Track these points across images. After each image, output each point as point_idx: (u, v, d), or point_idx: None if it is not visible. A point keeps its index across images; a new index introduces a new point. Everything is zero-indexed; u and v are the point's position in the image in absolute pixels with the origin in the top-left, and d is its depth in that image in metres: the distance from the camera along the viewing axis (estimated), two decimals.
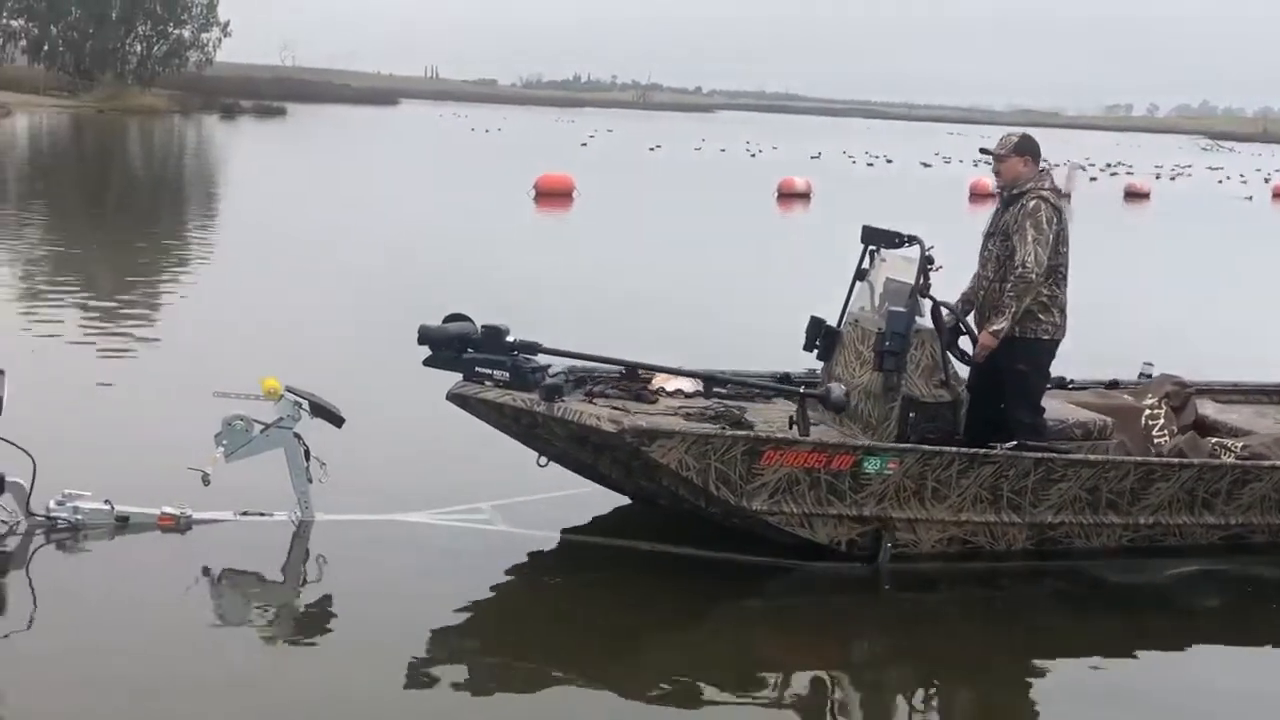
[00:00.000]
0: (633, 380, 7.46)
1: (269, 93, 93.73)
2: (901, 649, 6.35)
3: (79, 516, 6.65)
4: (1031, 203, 7.21)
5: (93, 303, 13.23)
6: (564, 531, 7.19)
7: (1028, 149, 7.34)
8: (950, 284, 7.51)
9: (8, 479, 6.50)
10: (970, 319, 7.48)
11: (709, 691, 5.57)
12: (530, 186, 30.40)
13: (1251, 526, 7.56)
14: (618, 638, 6.12)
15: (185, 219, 23.25)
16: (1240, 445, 7.78)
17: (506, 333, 6.80)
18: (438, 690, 5.39)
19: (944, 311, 7.19)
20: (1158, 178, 56.36)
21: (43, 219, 21.00)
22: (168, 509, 6.77)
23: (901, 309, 6.97)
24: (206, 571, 6.35)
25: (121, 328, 11.95)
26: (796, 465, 6.67)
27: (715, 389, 7.61)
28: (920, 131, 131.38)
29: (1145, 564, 7.30)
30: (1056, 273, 7.26)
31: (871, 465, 6.76)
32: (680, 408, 7.26)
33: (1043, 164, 7.43)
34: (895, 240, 7.35)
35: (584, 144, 62.16)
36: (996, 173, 7.40)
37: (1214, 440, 7.92)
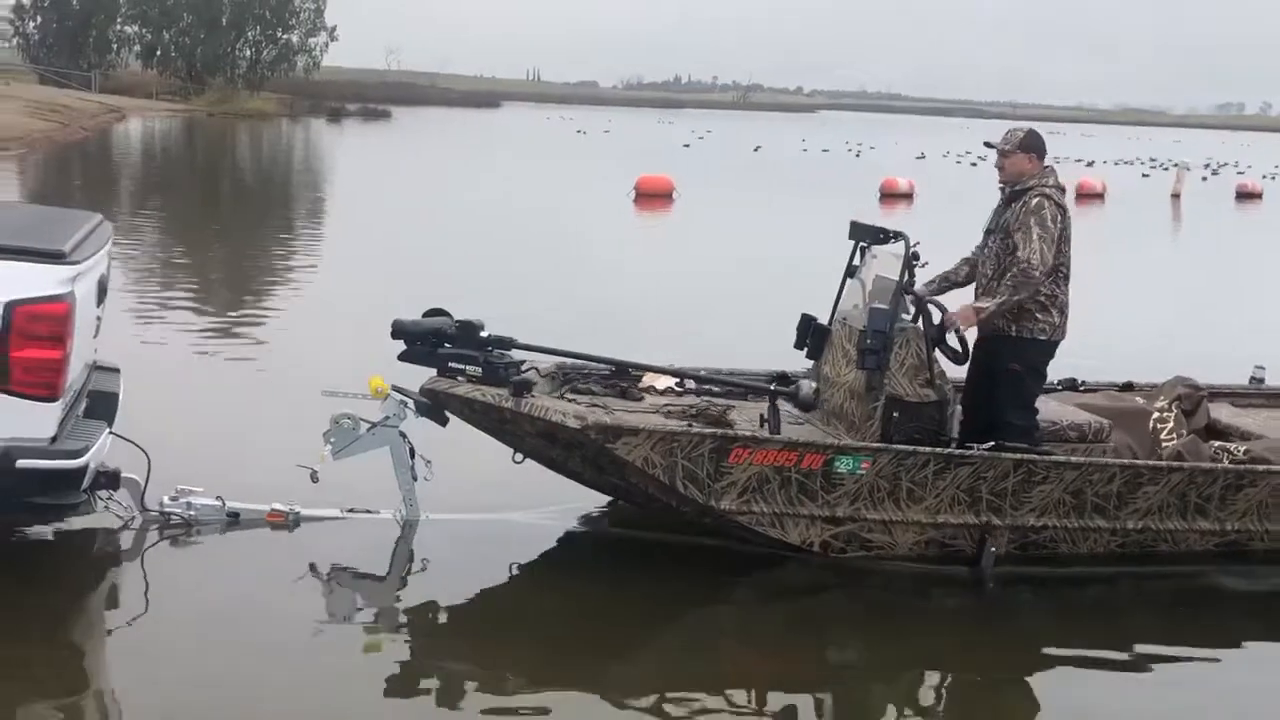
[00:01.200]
0: (621, 378, 7.50)
1: (374, 96, 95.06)
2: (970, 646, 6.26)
3: (191, 512, 6.79)
4: (1035, 200, 7.05)
5: (205, 303, 13.50)
6: (669, 532, 7.15)
7: (1033, 145, 7.19)
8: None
9: (124, 475, 6.65)
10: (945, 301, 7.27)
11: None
12: (630, 188, 30.55)
13: (1250, 533, 7.29)
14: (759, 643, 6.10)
15: (295, 221, 23.63)
16: (1243, 450, 7.55)
17: (481, 328, 6.79)
18: (544, 689, 5.41)
19: (931, 309, 7.06)
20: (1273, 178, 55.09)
21: (156, 222, 21.48)
22: (277, 506, 6.89)
23: (883, 306, 6.88)
24: (314, 568, 6.44)
25: (233, 328, 12.18)
26: (766, 464, 6.59)
27: (706, 387, 7.62)
28: (1064, 132, 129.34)
29: (1138, 570, 7.13)
30: (1058, 272, 7.09)
31: (843, 465, 6.67)
32: (665, 406, 7.24)
33: (1048, 162, 7.27)
34: (881, 236, 7.28)
35: (686, 145, 62.20)
36: (1000, 168, 7.23)
37: (1217, 444, 7.70)
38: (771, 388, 7.12)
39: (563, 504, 7.36)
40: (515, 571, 6.73)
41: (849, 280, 7.54)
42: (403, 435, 6.98)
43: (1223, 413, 8.38)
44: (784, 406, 7.08)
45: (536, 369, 7.25)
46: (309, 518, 6.92)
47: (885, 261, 7.21)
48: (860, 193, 34.26)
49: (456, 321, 6.81)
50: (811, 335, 7.62)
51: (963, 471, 6.81)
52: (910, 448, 6.75)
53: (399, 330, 6.80)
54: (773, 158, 55.64)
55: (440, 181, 33.12)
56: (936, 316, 7.08)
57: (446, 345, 6.75)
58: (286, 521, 6.88)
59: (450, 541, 6.89)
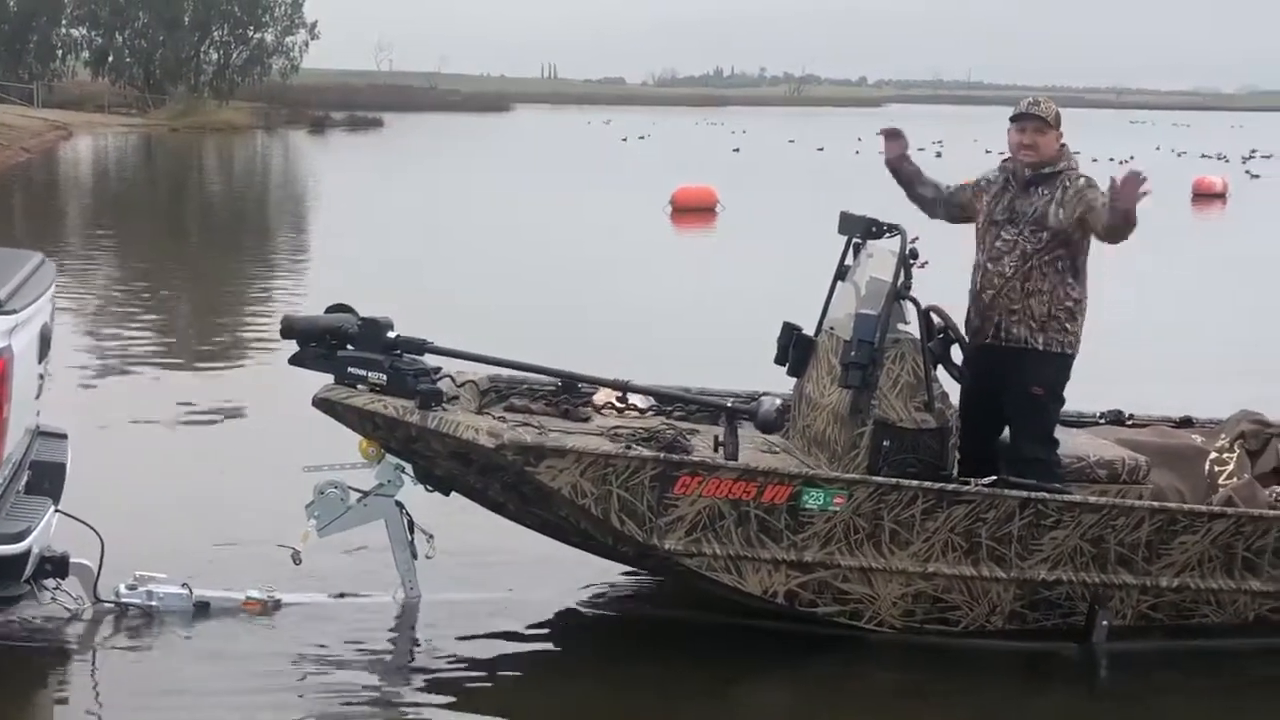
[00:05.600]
0: (572, 394, 7.41)
1: (364, 102, 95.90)
2: None
3: (153, 602, 6.82)
4: (1080, 180, 6.96)
5: (167, 356, 13.60)
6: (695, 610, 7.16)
7: (1061, 123, 7.10)
8: (942, 285, 7.28)
9: (73, 560, 6.68)
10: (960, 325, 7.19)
11: None
12: (666, 201, 30.68)
13: None
14: None
15: (271, 256, 23.78)
16: None
17: (388, 327, 6.69)
18: None
19: (934, 318, 7.00)
20: None
21: (109, 261, 21.67)
22: (253, 593, 6.92)
23: (871, 312, 6.75)
24: (296, 663, 6.48)
25: (199, 385, 12.26)
26: (718, 496, 6.47)
27: (667, 407, 7.57)
28: (1130, 122, 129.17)
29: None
30: (1082, 272, 7.05)
31: (813, 499, 6.53)
32: (614, 428, 7.13)
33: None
34: (873, 230, 7.15)
35: (736, 150, 62.43)
36: (1032, 145, 7.00)
37: (1278, 489, 7.52)
38: (728, 405, 6.98)
39: (585, 580, 7.40)
40: (526, 657, 6.75)
41: (839, 283, 7.43)
42: (399, 505, 7.00)
43: None
44: (764, 433, 6.99)
45: (466, 380, 7.24)
46: (292, 604, 6.95)
47: (882, 260, 7.05)
48: None
49: (360, 319, 6.73)
50: (794, 348, 7.46)
51: (957, 511, 6.65)
52: (893, 480, 6.58)
53: (289, 328, 6.74)
54: (833, 160, 55.66)
55: (440, 203, 33.27)
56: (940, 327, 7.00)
57: (348, 347, 6.68)
58: (265, 610, 6.91)
59: (454, 625, 6.92)
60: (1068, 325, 7.01)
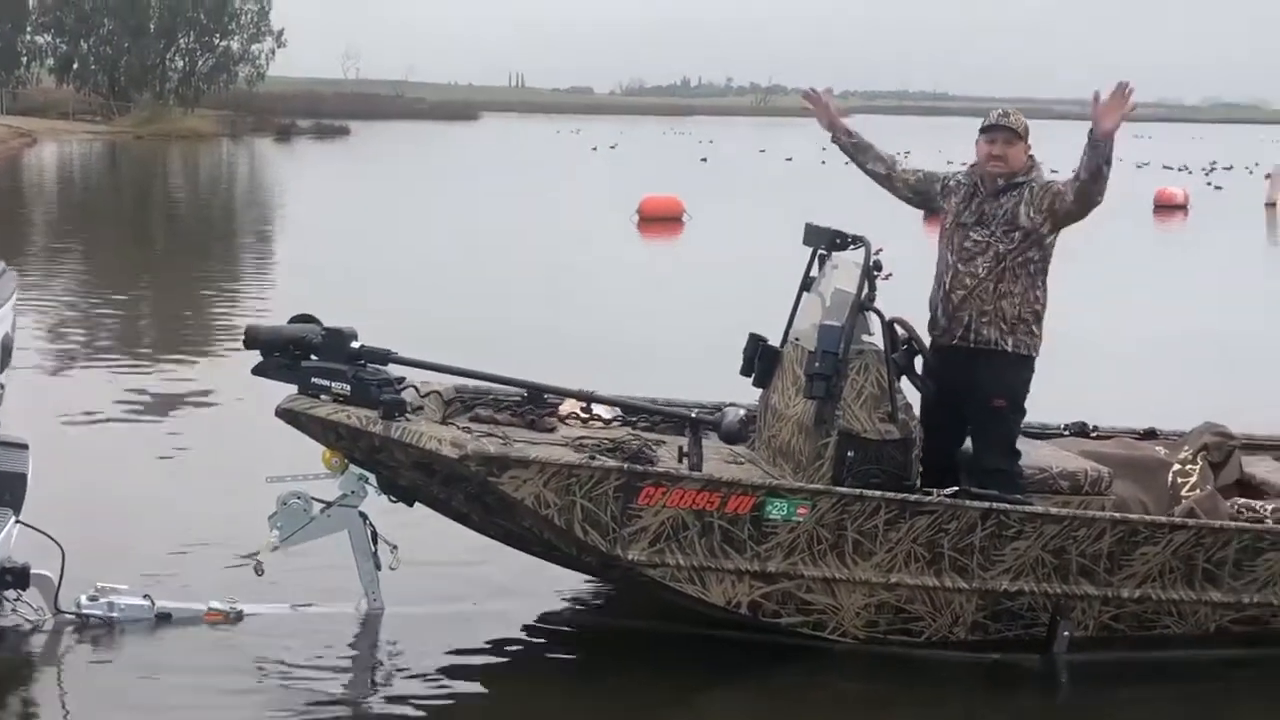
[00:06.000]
0: (537, 404, 7.40)
1: (331, 110, 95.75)
2: None
3: (115, 614, 6.79)
4: (1046, 180, 7.04)
5: (130, 367, 13.51)
6: (665, 620, 7.17)
7: (1029, 136, 7.15)
8: (905, 296, 7.32)
9: (34, 572, 6.66)
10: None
11: None
12: (634, 211, 30.73)
13: (1272, 608, 7.14)
14: None
15: (236, 265, 23.73)
16: (1271, 508, 7.41)
17: (352, 337, 6.67)
18: None
19: (898, 330, 7.02)
20: None
21: (72, 269, 21.54)
22: (215, 604, 6.90)
23: (836, 324, 6.78)
24: (259, 674, 6.45)
25: (162, 395, 12.17)
26: (682, 507, 6.49)
27: (632, 418, 7.59)
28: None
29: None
30: (1044, 274, 7.10)
31: (776, 510, 6.54)
32: (580, 438, 7.15)
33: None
34: (838, 241, 7.18)
35: (703, 159, 62.54)
36: (1001, 156, 7.04)
37: (1240, 501, 7.58)
38: (693, 415, 6.99)
39: (538, 590, 7.40)
40: (490, 670, 6.72)
41: (804, 294, 7.45)
42: (363, 516, 6.99)
43: (1261, 467, 8.24)
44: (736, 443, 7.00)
45: (430, 390, 7.23)
46: (254, 615, 6.93)
47: (847, 271, 7.07)
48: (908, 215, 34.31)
49: (324, 329, 6.72)
50: (760, 359, 7.48)
51: (920, 522, 6.68)
52: (855, 491, 6.61)
53: (253, 338, 6.72)
54: (802, 169, 55.80)
55: (407, 213, 33.23)
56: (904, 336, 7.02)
57: (311, 357, 6.66)
58: (227, 621, 6.89)
59: (419, 637, 6.90)
60: (1034, 328, 7.07)
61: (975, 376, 7.06)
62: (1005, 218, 7.02)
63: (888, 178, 7.48)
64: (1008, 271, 7.01)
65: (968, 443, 7.21)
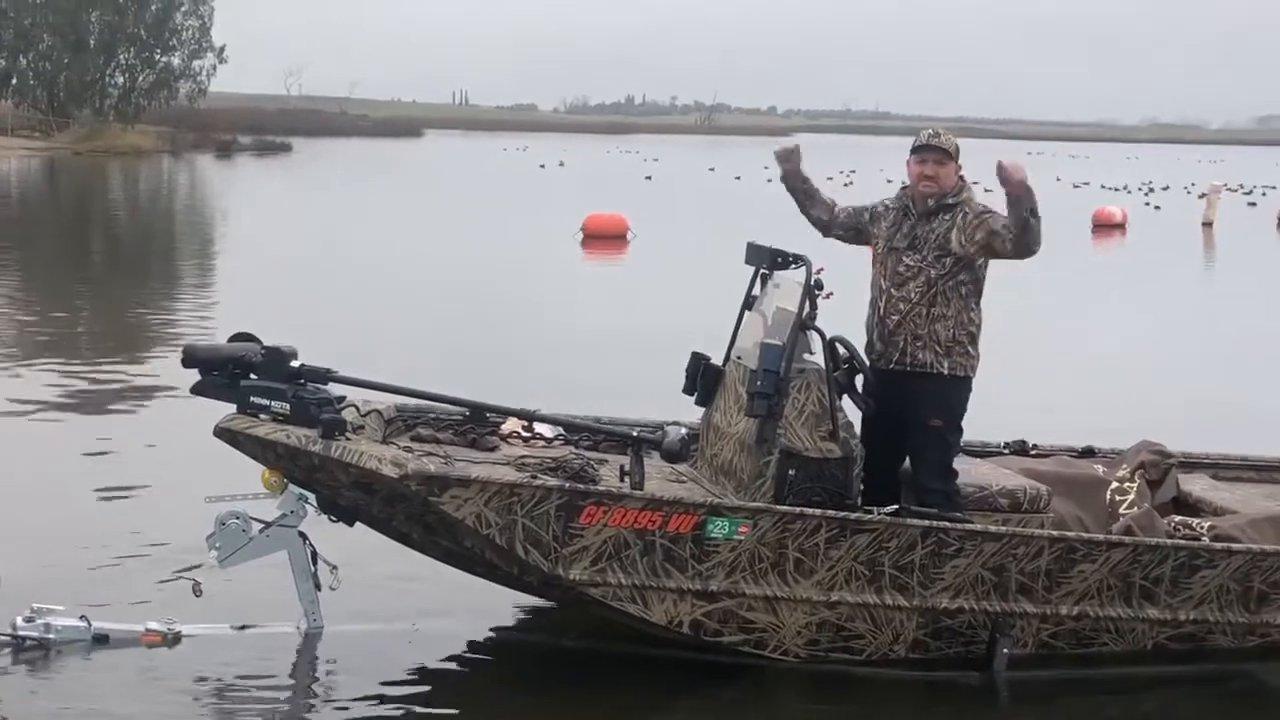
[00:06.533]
0: (479, 423, 7.41)
1: (272, 126, 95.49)
2: None
3: (50, 635, 6.71)
4: (978, 206, 7.08)
5: (64, 384, 13.37)
6: (609, 641, 7.17)
7: (959, 156, 7.21)
8: (846, 315, 7.36)
9: None
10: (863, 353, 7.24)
11: None
12: (577, 229, 30.77)
13: (1208, 624, 7.21)
14: None
15: (176, 283, 23.59)
16: (1208, 525, 7.50)
17: (292, 356, 6.64)
18: None
19: (839, 348, 7.07)
20: None
21: (5, 286, 21.35)
22: (153, 625, 6.84)
23: (777, 342, 6.83)
24: (197, 695, 6.40)
25: (98, 413, 12.10)
26: (624, 526, 6.51)
27: (574, 436, 7.60)
28: (1043, 152, 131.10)
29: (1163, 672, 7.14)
30: (981, 297, 7.18)
31: (718, 528, 6.57)
32: (521, 457, 7.15)
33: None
34: (779, 260, 7.23)
35: (648, 177, 62.68)
36: (933, 176, 7.11)
37: (1178, 519, 7.66)
38: (634, 434, 6.99)
39: (479, 609, 7.38)
40: (430, 690, 6.69)
41: (746, 312, 7.48)
42: (302, 536, 6.96)
43: (1197, 485, 8.34)
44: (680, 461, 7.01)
45: (371, 409, 7.20)
46: (192, 636, 6.87)
47: (788, 290, 7.12)
48: None
49: (263, 348, 6.67)
50: (702, 378, 7.51)
51: (860, 540, 6.71)
52: (796, 509, 6.64)
53: (191, 357, 6.68)
54: (748, 188, 56.00)
55: (349, 231, 33.11)
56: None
57: (251, 376, 6.62)
58: (165, 641, 6.83)
59: (359, 656, 6.86)
60: (970, 349, 7.13)
61: (913, 398, 7.10)
62: (937, 243, 7.08)
63: (828, 224, 7.53)
64: (939, 295, 7.06)
65: (908, 461, 7.25)
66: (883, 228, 7.30)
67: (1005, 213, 6.92)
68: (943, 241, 7.07)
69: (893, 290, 7.16)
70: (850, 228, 7.48)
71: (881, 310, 7.20)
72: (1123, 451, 8.40)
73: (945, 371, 7.10)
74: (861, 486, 6.97)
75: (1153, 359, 17.29)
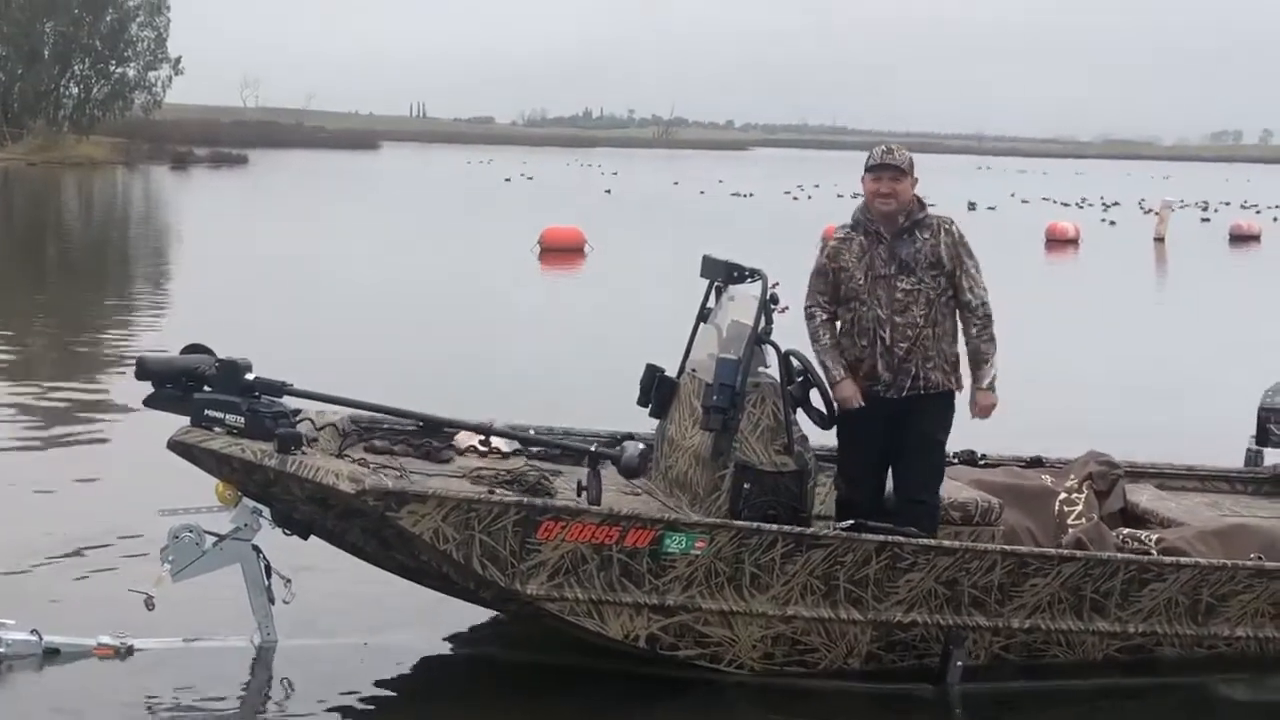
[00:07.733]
0: (434, 436, 7.40)
1: (228, 138, 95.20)
2: None
3: (1, 649, 6.66)
4: (954, 228, 7.19)
5: (13, 400, 13.28)
6: (563, 654, 7.17)
7: (915, 170, 7.25)
8: (802, 329, 7.37)
9: None
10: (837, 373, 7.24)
11: None
12: (534, 242, 30.77)
13: (1157, 637, 7.27)
14: None
15: (129, 295, 23.45)
16: (1155, 538, 7.58)
17: (246, 369, 6.60)
18: None
19: (794, 362, 7.10)
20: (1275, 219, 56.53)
21: None
22: (105, 639, 6.80)
23: (732, 356, 6.86)
24: (149, 710, 6.37)
25: (49, 426, 12.02)
26: (582, 541, 6.52)
27: (530, 448, 7.62)
28: (992, 167, 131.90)
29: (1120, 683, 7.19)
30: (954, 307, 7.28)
31: (674, 543, 6.58)
32: (477, 469, 7.15)
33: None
34: (734, 274, 7.26)
35: (608, 191, 62.81)
36: (890, 194, 7.09)
37: (1126, 531, 7.74)
38: (592, 448, 7.03)
39: (449, 623, 7.36)
40: (384, 703, 6.68)
41: (701, 325, 7.51)
42: (256, 550, 6.93)
43: (1143, 495, 8.41)
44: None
45: (326, 422, 7.20)
46: (145, 650, 6.83)
47: (743, 304, 7.15)
48: (806, 250, 34.60)
49: (217, 360, 6.64)
50: (656, 390, 7.52)
51: (815, 555, 6.73)
52: (753, 525, 6.66)
53: (144, 369, 6.63)
54: (711, 202, 56.17)
55: (305, 242, 33.01)
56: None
57: (204, 389, 6.59)
58: (118, 655, 6.79)
59: (312, 670, 6.84)
60: (959, 362, 7.25)
61: (921, 418, 7.18)
62: (927, 261, 7.12)
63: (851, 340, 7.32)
64: (939, 313, 7.15)
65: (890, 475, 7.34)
66: (850, 260, 7.22)
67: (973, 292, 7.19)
68: (933, 259, 7.12)
69: (896, 317, 7.14)
70: (835, 298, 7.30)
71: (888, 340, 7.15)
72: (1070, 462, 8.47)
73: (954, 388, 7.24)
74: (821, 505, 7.00)
75: (1098, 368, 17.42)
